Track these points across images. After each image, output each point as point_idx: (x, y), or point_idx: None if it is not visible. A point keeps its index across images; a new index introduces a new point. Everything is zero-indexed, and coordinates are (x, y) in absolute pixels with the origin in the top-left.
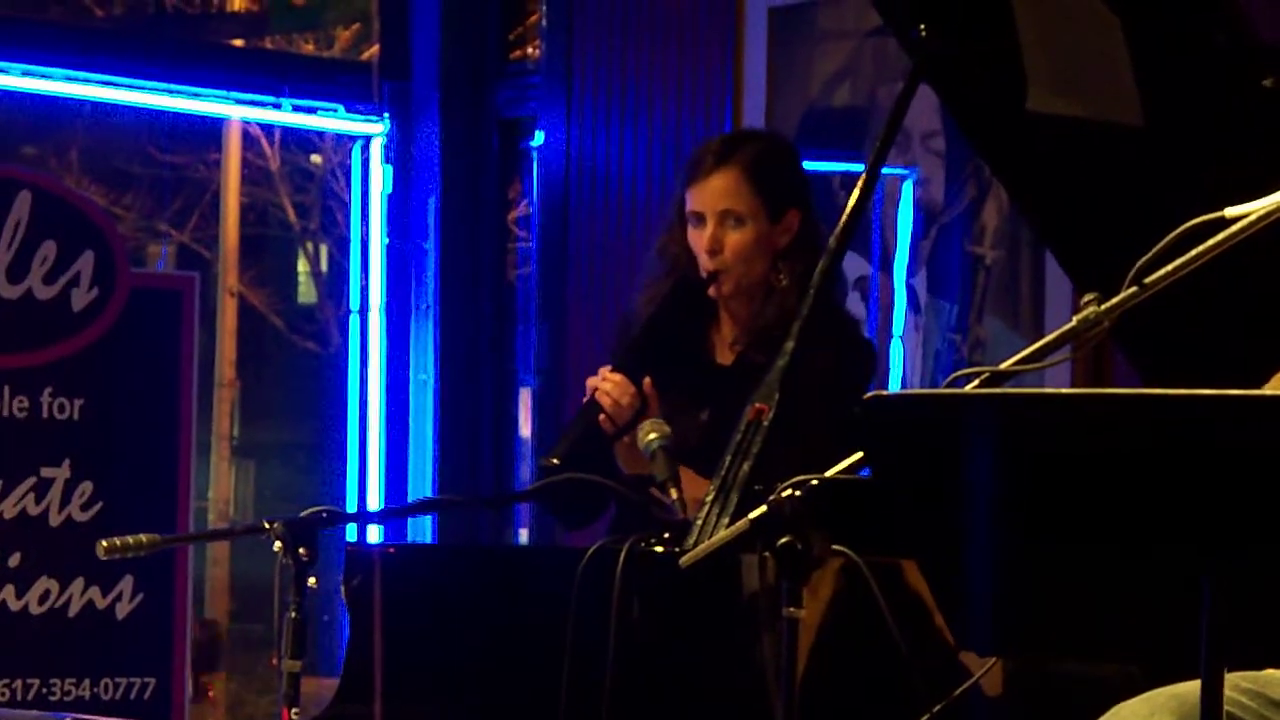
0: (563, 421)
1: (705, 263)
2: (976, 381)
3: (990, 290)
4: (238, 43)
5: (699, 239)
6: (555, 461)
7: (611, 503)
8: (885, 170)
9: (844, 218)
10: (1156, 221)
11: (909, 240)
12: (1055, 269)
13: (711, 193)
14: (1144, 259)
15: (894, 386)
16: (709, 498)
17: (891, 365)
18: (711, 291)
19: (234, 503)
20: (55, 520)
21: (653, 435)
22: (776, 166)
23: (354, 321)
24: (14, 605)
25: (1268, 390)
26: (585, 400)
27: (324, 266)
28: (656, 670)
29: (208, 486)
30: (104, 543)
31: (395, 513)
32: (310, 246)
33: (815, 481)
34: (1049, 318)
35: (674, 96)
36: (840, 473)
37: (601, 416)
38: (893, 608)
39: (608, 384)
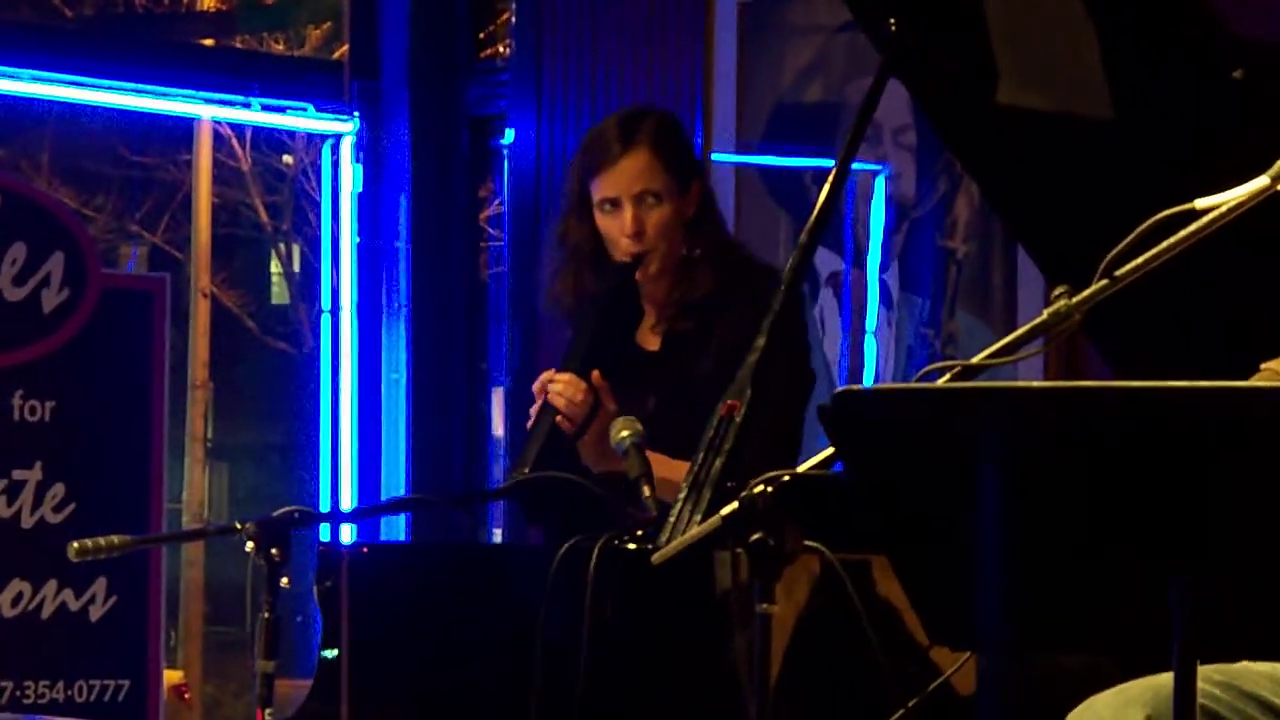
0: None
1: (628, 246)
2: (948, 376)
3: (962, 284)
4: (207, 42)
5: (615, 224)
6: (527, 472)
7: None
8: (857, 165)
9: (815, 212)
10: (1127, 214)
11: (881, 235)
12: (1027, 262)
13: (625, 175)
14: (1114, 251)
15: (867, 382)
16: (681, 495)
17: (865, 361)
18: (639, 275)
19: (208, 505)
20: (27, 522)
21: (625, 433)
22: (677, 139)
23: (325, 321)
24: None
25: (1246, 383)
26: (539, 405)
27: (296, 267)
28: (630, 667)
29: (181, 488)
30: (75, 544)
31: (367, 512)
32: (283, 247)
33: (787, 477)
34: (1021, 311)
35: (644, 92)
36: (812, 468)
37: (558, 417)
38: (864, 605)
39: (558, 384)
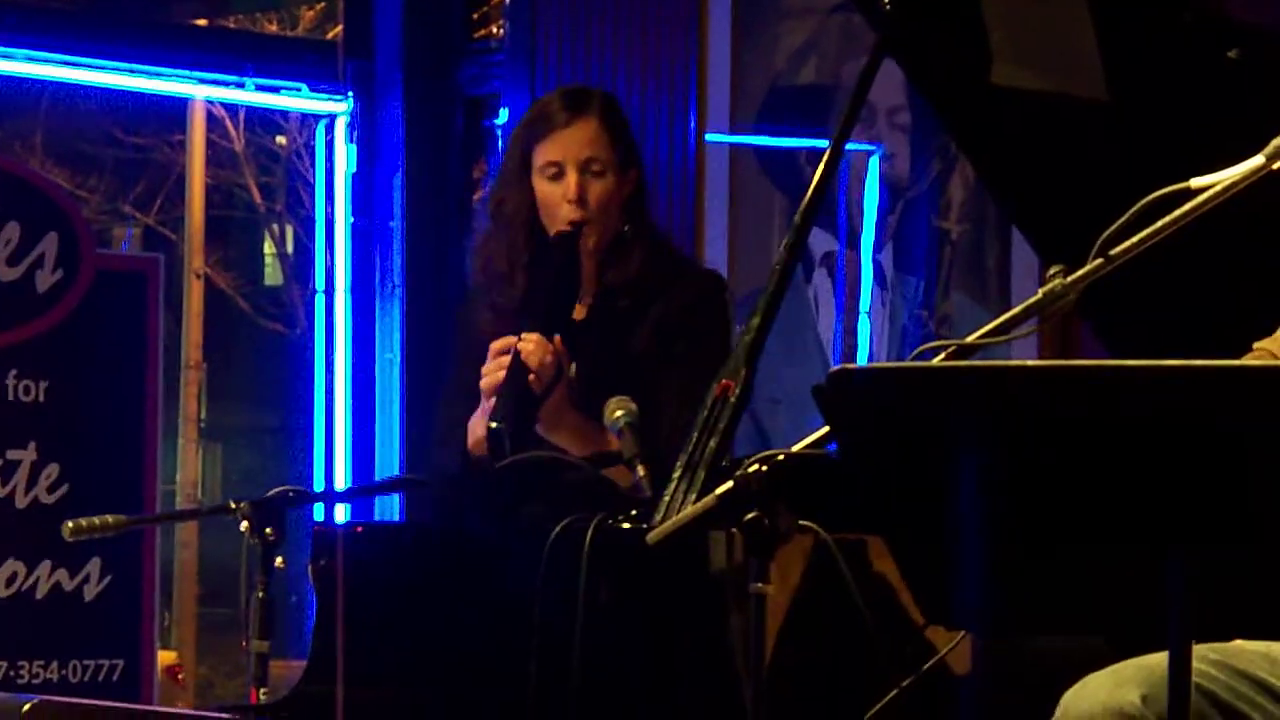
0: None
1: (568, 213)
2: (942, 355)
3: (957, 265)
4: (201, 22)
5: (557, 190)
6: (499, 425)
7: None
8: (851, 145)
9: (809, 192)
10: (1122, 194)
11: (875, 216)
12: (1021, 243)
13: (573, 142)
14: (1109, 230)
15: (861, 362)
16: (676, 474)
17: (859, 341)
18: (580, 244)
19: (202, 486)
20: (22, 503)
21: (619, 413)
22: (622, 120)
23: (319, 301)
24: None
25: (1238, 362)
26: (510, 364)
27: (290, 248)
28: (625, 647)
29: (175, 470)
30: (69, 524)
31: (361, 491)
32: (276, 228)
33: (781, 457)
34: (1015, 292)
35: (638, 73)
36: (807, 447)
37: (531, 376)
38: (859, 585)
39: (528, 344)
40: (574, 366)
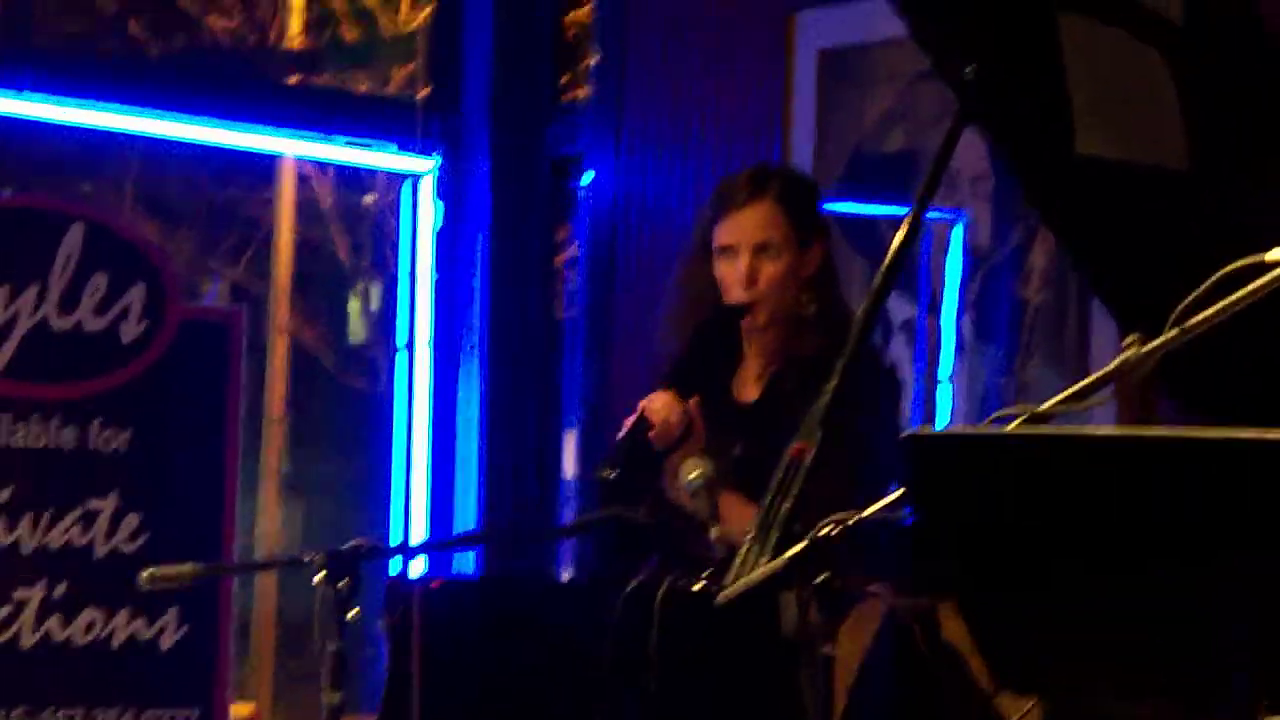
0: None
1: (739, 294)
2: (1017, 422)
3: (1037, 333)
4: (292, 80)
5: (731, 271)
6: (609, 473)
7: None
8: (933, 213)
9: (889, 258)
10: (1201, 264)
11: (957, 283)
12: (1102, 312)
13: (746, 224)
14: (1185, 302)
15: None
16: (749, 536)
17: (939, 408)
18: (745, 323)
19: (281, 538)
20: (101, 551)
21: (695, 473)
22: (804, 198)
23: (401, 357)
24: (58, 636)
25: None
26: (635, 417)
27: (374, 305)
28: (695, 708)
29: (255, 521)
30: (146, 572)
31: (435, 546)
32: (361, 286)
33: (854, 520)
34: (1095, 361)
35: (723, 136)
36: (879, 510)
37: (652, 433)
38: (929, 649)
39: (656, 402)
40: (739, 446)
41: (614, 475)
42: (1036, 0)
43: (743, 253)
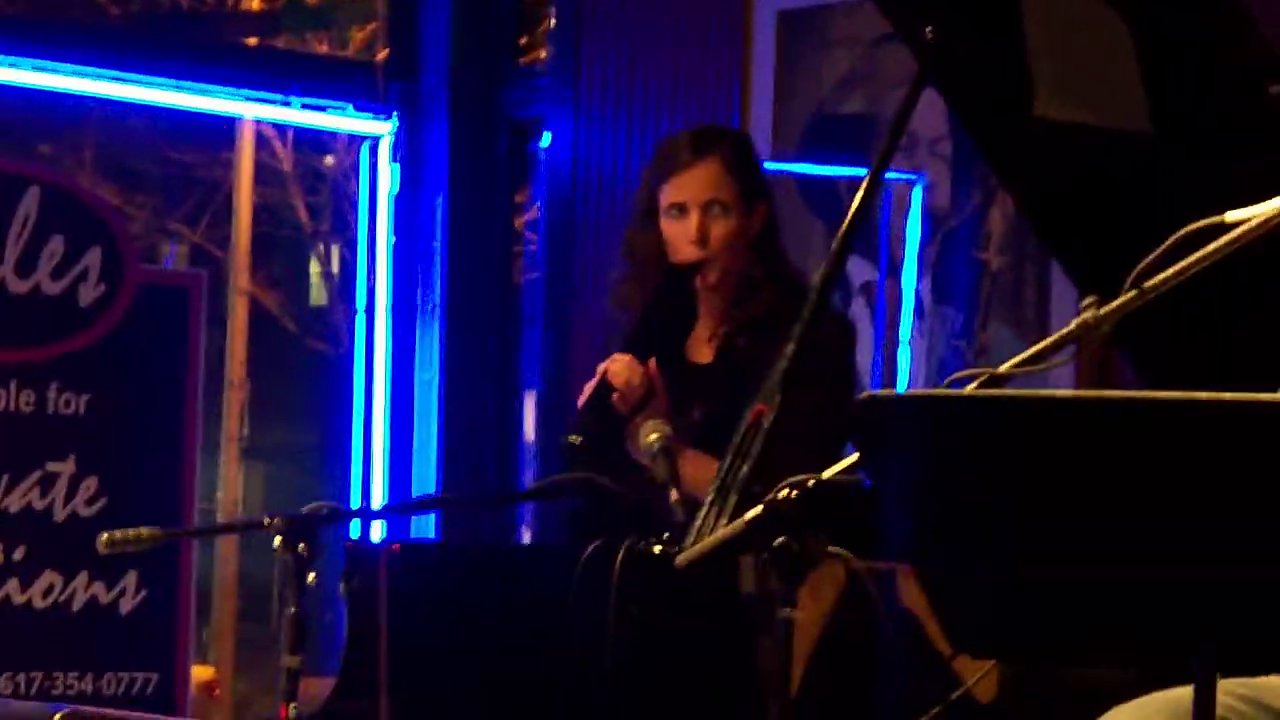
0: (570, 414)
1: (690, 253)
2: (975, 384)
3: (996, 297)
4: (250, 41)
5: (681, 230)
6: (577, 439)
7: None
8: (892, 175)
9: (847, 220)
10: (1160, 227)
11: (916, 246)
12: (1060, 276)
13: (695, 183)
14: (1144, 263)
15: (899, 391)
16: (709, 499)
17: (898, 371)
18: (697, 282)
19: (242, 503)
20: (60, 515)
21: (653, 436)
22: (749, 158)
23: (360, 321)
24: (18, 599)
25: (1273, 396)
26: (596, 381)
27: (335, 268)
28: (655, 669)
29: (216, 487)
30: (105, 536)
31: (395, 509)
32: (322, 248)
33: (812, 483)
34: (1054, 324)
35: (681, 99)
36: (838, 474)
37: (615, 396)
38: (888, 612)
39: (617, 364)
40: (699, 410)
41: (581, 441)
42: None
43: (692, 210)
